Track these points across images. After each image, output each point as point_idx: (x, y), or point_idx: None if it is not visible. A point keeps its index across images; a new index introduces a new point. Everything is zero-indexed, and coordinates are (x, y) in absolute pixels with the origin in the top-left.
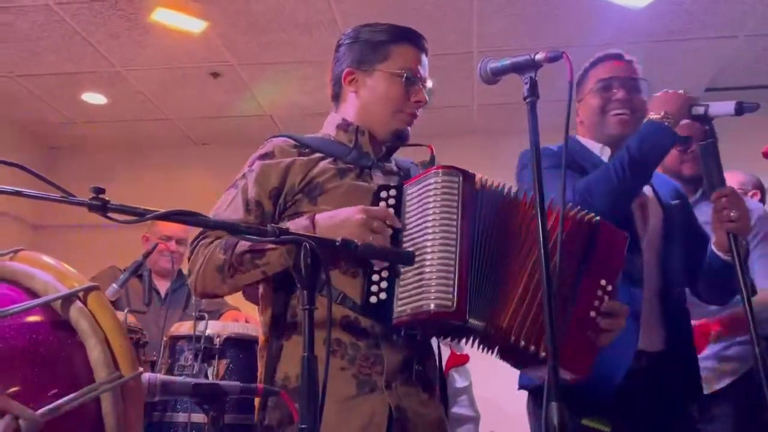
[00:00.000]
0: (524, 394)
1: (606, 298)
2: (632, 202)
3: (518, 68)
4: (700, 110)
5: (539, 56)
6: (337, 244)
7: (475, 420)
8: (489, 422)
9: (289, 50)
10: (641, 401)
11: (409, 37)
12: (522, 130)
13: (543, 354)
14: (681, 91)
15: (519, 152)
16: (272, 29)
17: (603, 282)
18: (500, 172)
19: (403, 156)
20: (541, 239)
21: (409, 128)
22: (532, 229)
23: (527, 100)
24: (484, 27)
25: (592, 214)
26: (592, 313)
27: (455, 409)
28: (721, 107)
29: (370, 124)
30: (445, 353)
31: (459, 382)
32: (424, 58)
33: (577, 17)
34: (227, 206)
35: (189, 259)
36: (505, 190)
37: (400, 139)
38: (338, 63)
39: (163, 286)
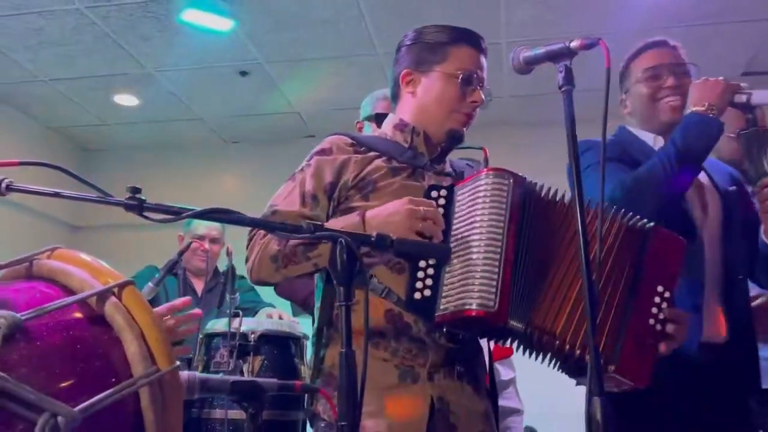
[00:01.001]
0: (570, 389)
1: (664, 305)
2: (681, 196)
3: (553, 57)
4: (743, 98)
5: (574, 44)
6: (372, 239)
7: (519, 412)
8: (533, 416)
9: (315, 47)
10: (702, 394)
11: (468, 39)
12: (552, 121)
13: (586, 356)
14: (721, 79)
15: (550, 144)
16: (299, 26)
17: (660, 289)
18: (530, 164)
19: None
20: (581, 236)
21: (464, 129)
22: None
23: (563, 88)
24: (512, 17)
25: (645, 221)
26: (651, 321)
27: (500, 402)
28: (764, 95)
29: (426, 124)
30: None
31: (503, 374)
32: (483, 60)
33: (606, 4)
34: (285, 198)
35: (247, 247)
36: (557, 194)
37: (454, 139)
38: (398, 64)
39: (198, 285)
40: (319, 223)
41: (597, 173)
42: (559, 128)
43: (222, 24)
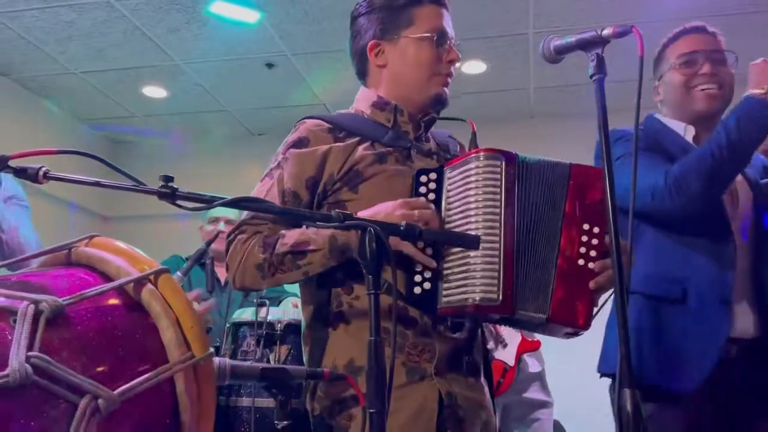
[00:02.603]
0: (597, 384)
1: (595, 241)
2: (730, 185)
3: (584, 45)
4: None
5: (606, 32)
6: (402, 228)
7: (548, 404)
8: (563, 409)
9: (341, 38)
10: (732, 394)
11: None
12: (580, 112)
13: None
14: None
15: (578, 135)
16: (325, 17)
17: (586, 226)
18: (558, 156)
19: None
20: (612, 222)
21: (446, 90)
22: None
23: (594, 77)
24: (540, 7)
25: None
26: (581, 261)
27: (528, 394)
28: None
29: (406, 94)
30: (517, 338)
31: (531, 366)
32: (447, 14)
33: None
34: (264, 196)
35: (226, 253)
36: (550, 166)
37: (440, 103)
38: (359, 36)
39: (223, 274)
40: (348, 212)
41: (630, 164)
42: (584, 120)
43: (249, 16)
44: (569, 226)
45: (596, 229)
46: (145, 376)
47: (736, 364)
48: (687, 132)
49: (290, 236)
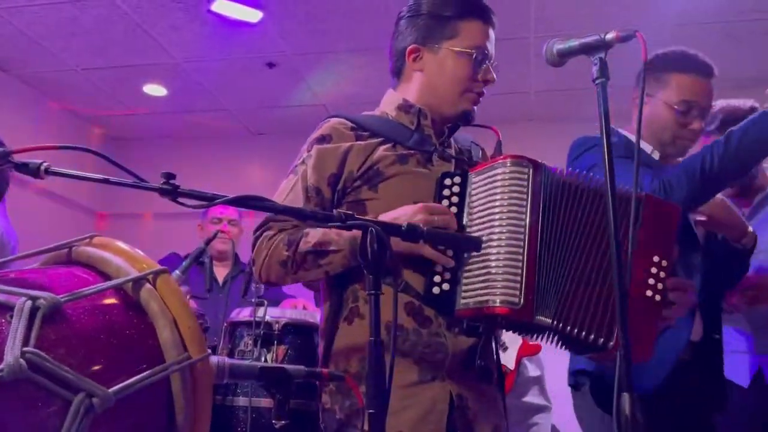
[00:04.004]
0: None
1: (662, 274)
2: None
3: (587, 49)
4: None
5: (610, 36)
6: (403, 229)
7: (546, 409)
8: (562, 414)
9: (343, 39)
10: (685, 392)
11: (478, 12)
12: (579, 116)
13: (608, 345)
14: None
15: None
16: (327, 18)
17: (656, 258)
18: (558, 159)
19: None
20: (612, 228)
21: (475, 108)
22: (601, 217)
23: (597, 81)
24: (542, 11)
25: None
26: (648, 292)
27: (527, 398)
28: None
29: (436, 103)
30: (517, 342)
31: (531, 371)
32: (492, 33)
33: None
34: (288, 193)
35: (253, 248)
36: (578, 179)
37: (466, 119)
38: (401, 37)
39: (220, 273)
40: (350, 212)
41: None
42: (584, 123)
43: (251, 15)
44: (641, 256)
45: (665, 263)
46: (141, 375)
47: (689, 364)
48: (653, 154)
49: (313, 235)
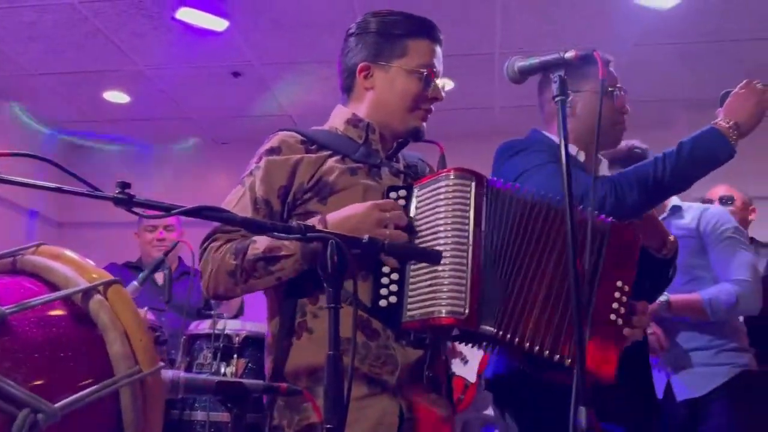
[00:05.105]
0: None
1: (624, 299)
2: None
3: (547, 67)
4: None
5: (569, 54)
6: (364, 241)
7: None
8: None
9: (309, 50)
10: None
11: (426, 31)
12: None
13: (566, 360)
14: (761, 87)
15: None
16: (293, 28)
17: (619, 283)
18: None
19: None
20: (570, 240)
21: (424, 125)
22: (549, 230)
23: (556, 98)
24: (508, 28)
25: (603, 217)
26: (612, 316)
27: (488, 411)
28: None
29: (386, 120)
30: (478, 355)
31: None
32: (440, 51)
33: (602, 18)
34: (235, 204)
35: (200, 260)
36: (521, 191)
37: (416, 136)
38: (351, 54)
39: (160, 278)
40: (310, 224)
41: (538, 175)
42: None
43: (216, 24)
44: (606, 280)
45: (627, 288)
46: (88, 390)
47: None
48: (579, 155)
49: (261, 242)
